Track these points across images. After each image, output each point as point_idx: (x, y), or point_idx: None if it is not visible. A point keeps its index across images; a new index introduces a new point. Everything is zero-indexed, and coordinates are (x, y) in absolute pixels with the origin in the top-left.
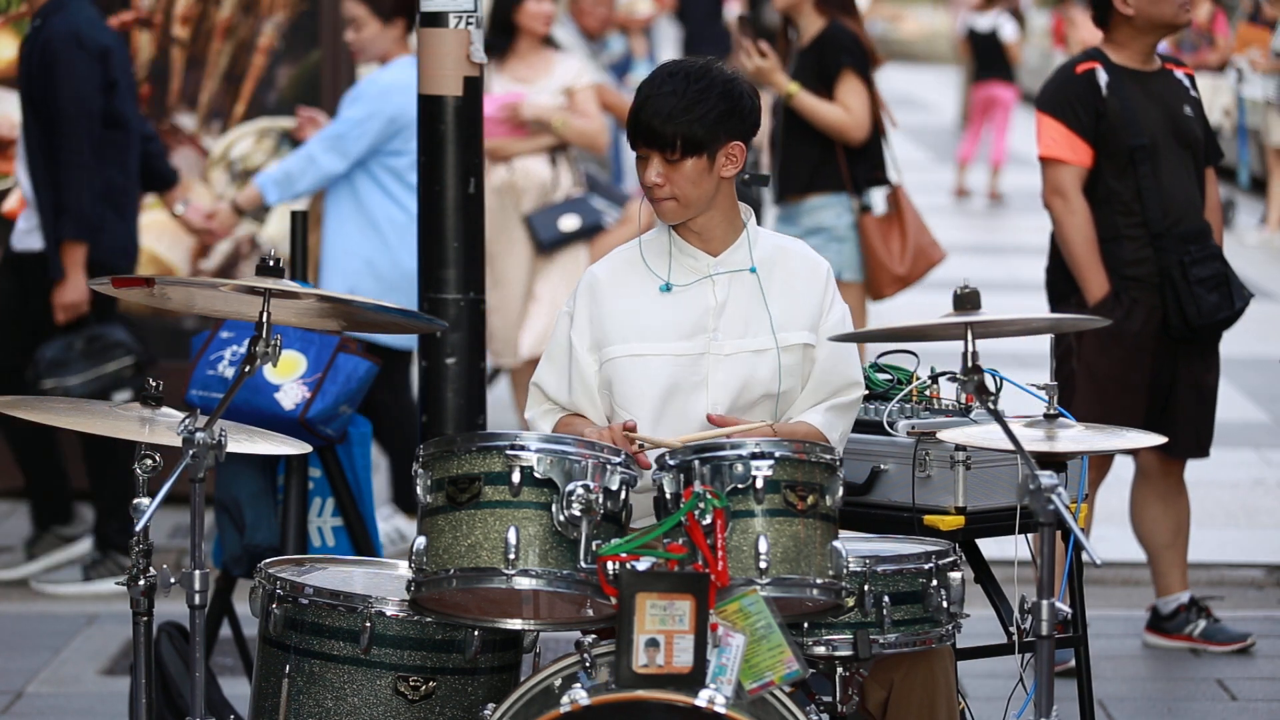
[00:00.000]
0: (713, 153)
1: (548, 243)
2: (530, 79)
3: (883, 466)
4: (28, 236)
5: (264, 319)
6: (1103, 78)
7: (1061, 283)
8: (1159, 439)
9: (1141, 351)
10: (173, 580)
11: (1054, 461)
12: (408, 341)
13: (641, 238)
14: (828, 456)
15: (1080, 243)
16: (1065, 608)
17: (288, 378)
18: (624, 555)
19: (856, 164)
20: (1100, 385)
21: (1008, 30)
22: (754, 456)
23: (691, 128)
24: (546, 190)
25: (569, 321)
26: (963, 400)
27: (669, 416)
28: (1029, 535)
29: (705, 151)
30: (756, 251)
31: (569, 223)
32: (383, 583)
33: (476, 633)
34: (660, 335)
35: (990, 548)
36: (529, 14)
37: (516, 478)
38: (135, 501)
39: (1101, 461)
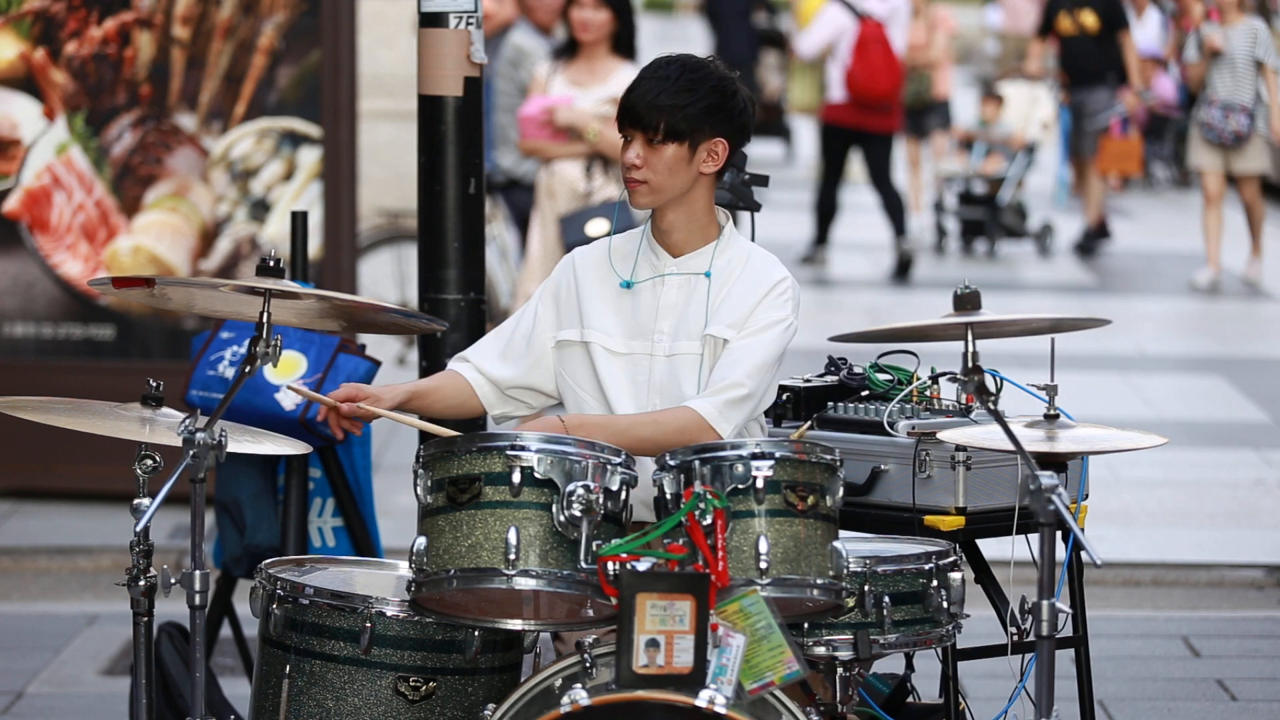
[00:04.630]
0: (694, 143)
1: (570, 247)
2: (585, 84)
3: (883, 467)
4: None
5: (264, 319)
6: None
7: None
8: (1159, 440)
9: None
10: (173, 580)
11: (1054, 462)
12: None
13: (625, 234)
14: (828, 457)
15: None
16: (1065, 607)
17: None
18: (624, 555)
19: None
20: None
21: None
22: (754, 457)
23: (676, 113)
24: (577, 194)
25: (538, 292)
26: (963, 400)
27: (605, 410)
28: (1029, 535)
29: (687, 140)
30: (721, 259)
31: (596, 227)
32: (383, 583)
33: (477, 633)
34: (612, 331)
35: (990, 548)
36: (571, 20)
37: (517, 478)
38: (135, 502)
39: None
